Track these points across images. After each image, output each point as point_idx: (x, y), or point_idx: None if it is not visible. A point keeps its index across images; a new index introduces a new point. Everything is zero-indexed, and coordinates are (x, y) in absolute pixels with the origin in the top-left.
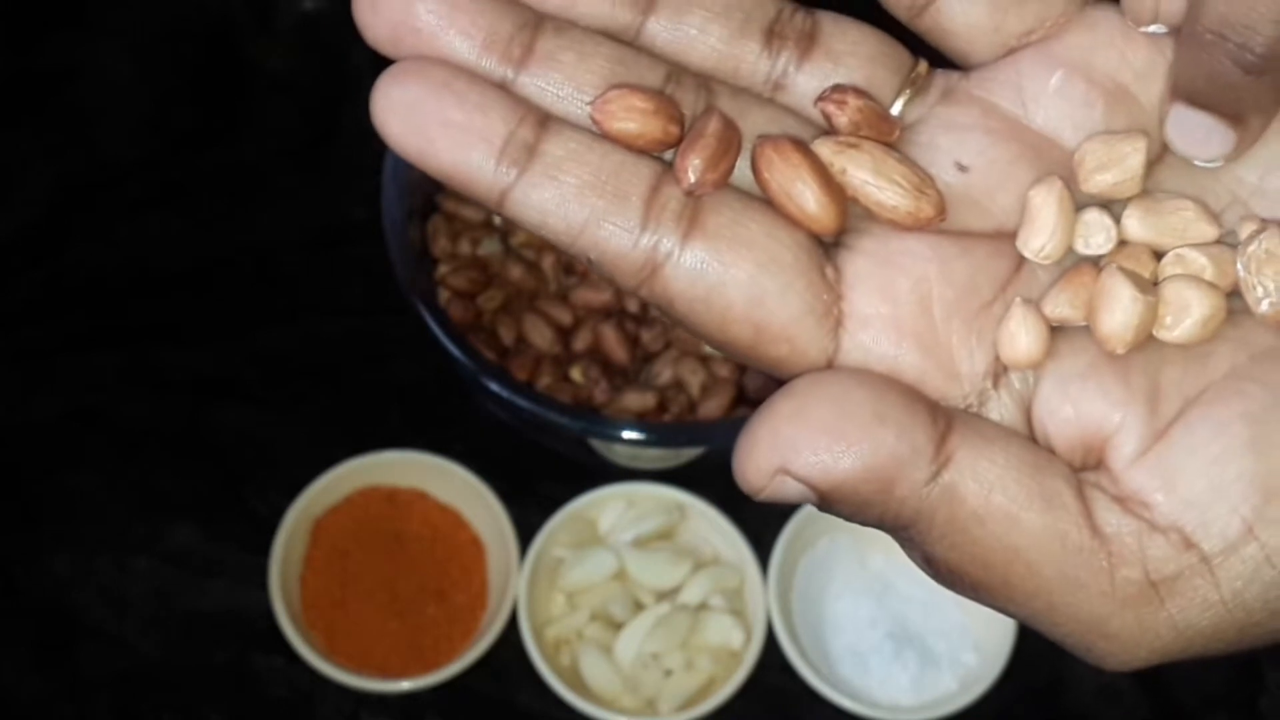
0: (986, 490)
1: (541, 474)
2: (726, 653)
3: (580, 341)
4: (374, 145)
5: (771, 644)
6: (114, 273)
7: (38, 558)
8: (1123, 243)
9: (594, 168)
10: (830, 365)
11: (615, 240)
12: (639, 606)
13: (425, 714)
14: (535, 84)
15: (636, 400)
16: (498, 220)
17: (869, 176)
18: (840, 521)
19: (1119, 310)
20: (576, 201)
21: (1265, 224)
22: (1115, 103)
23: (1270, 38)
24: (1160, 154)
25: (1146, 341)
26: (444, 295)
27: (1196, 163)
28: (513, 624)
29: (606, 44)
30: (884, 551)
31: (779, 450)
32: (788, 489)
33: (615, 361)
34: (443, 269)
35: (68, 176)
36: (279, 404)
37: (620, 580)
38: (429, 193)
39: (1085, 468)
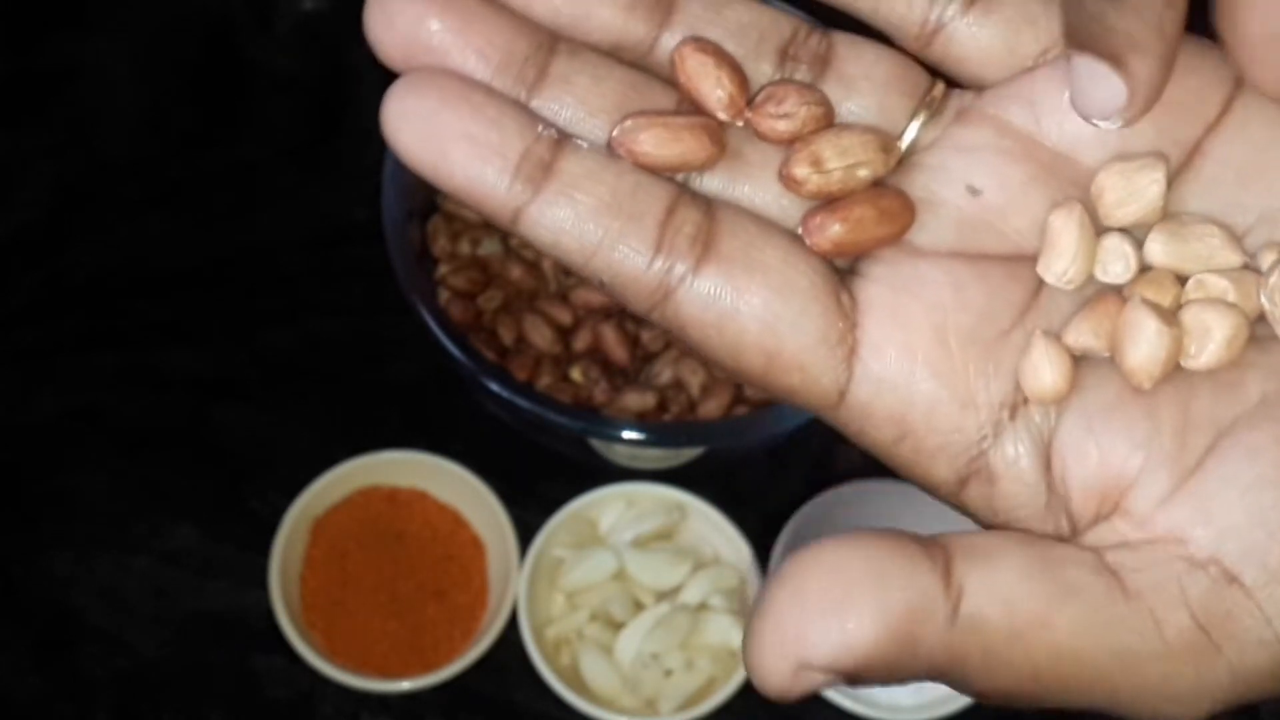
0: (1008, 606)
1: (541, 474)
2: (726, 653)
3: (580, 341)
4: (374, 145)
5: None
6: (114, 273)
7: (38, 558)
8: (1146, 268)
9: (610, 188)
10: (843, 395)
11: (629, 263)
12: (639, 606)
13: (425, 714)
14: (548, 107)
15: (636, 400)
16: None
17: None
18: (840, 522)
19: (1144, 344)
20: (592, 222)
21: None
22: None
23: None
24: (1185, 164)
25: (1174, 373)
26: (444, 295)
27: (1096, 122)
28: (513, 624)
29: (620, 68)
30: None
31: (791, 646)
32: (813, 680)
33: (615, 361)
34: (443, 269)
35: (68, 176)
36: (279, 404)
37: (620, 580)
38: (429, 193)
39: (1100, 516)
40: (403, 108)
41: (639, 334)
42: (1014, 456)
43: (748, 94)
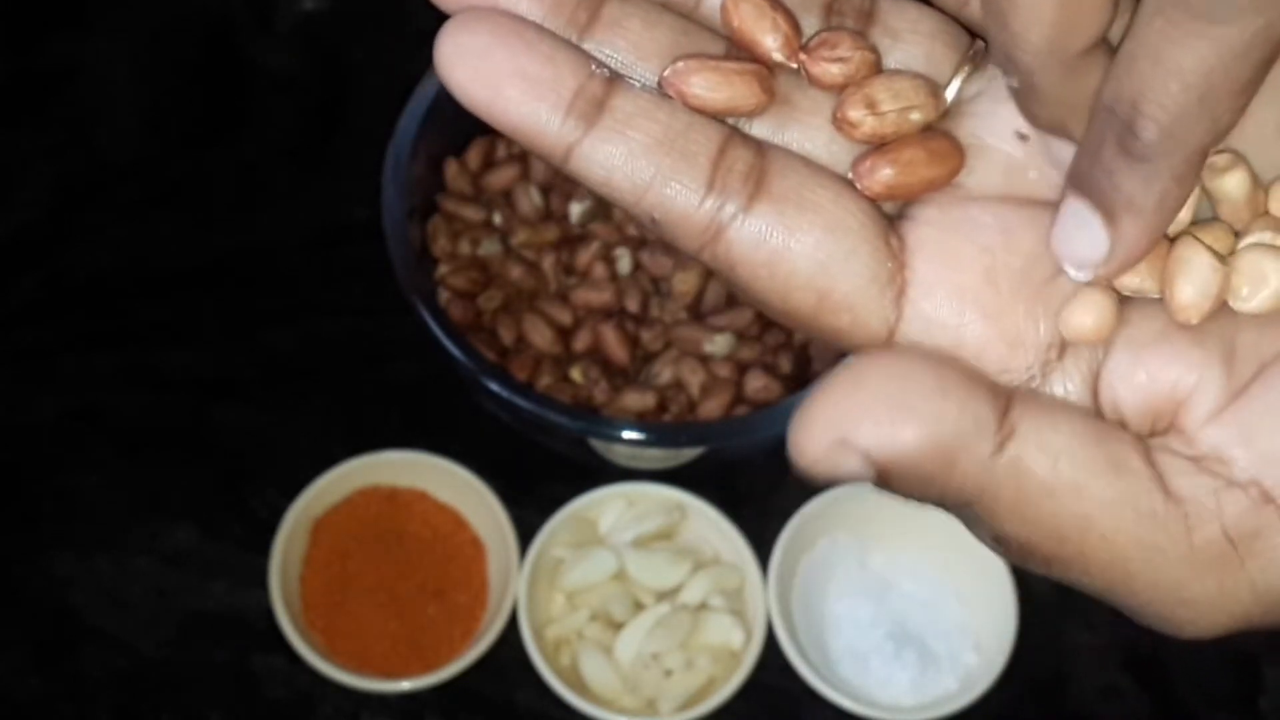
0: (1053, 460)
1: (541, 474)
2: (726, 653)
3: (580, 341)
4: (374, 145)
5: (771, 644)
6: (114, 273)
7: (38, 558)
8: (1195, 221)
9: (663, 125)
10: (892, 335)
11: (680, 200)
12: (639, 606)
13: (425, 714)
14: (600, 50)
15: (636, 400)
16: (498, 220)
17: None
18: (840, 521)
19: (1195, 277)
20: (644, 159)
21: None
22: None
23: (1161, 125)
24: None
25: (1220, 311)
26: (444, 295)
27: (1068, 268)
28: (513, 624)
29: (671, 15)
30: (884, 551)
31: (839, 420)
32: (846, 462)
33: (615, 361)
34: (443, 269)
35: (68, 176)
36: (279, 404)
37: (620, 580)
38: (429, 193)
39: (1155, 433)
40: (456, 45)
41: (639, 334)
42: (1062, 395)
43: (801, 37)
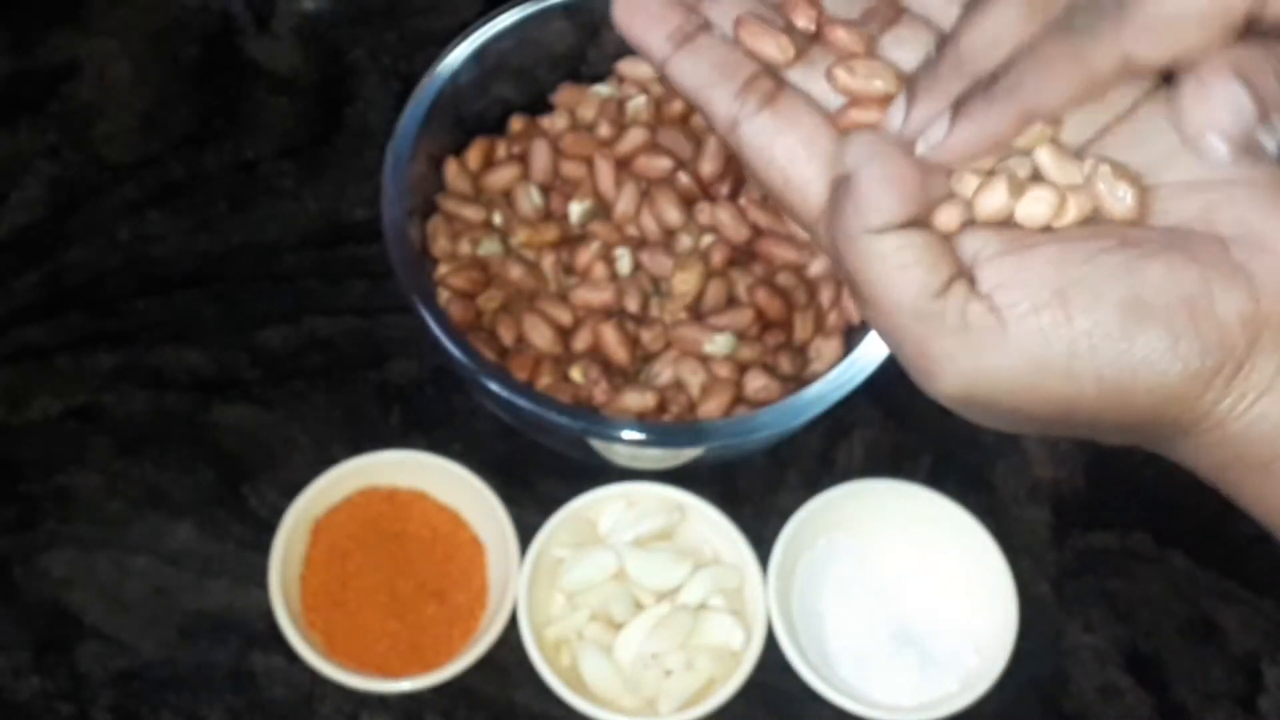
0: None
1: (541, 474)
2: (726, 653)
3: (580, 341)
4: (374, 145)
5: (771, 644)
6: (114, 273)
7: (38, 558)
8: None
9: (722, 55)
10: (818, 223)
11: (716, 104)
12: (639, 606)
13: (425, 714)
14: (711, 10)
15: (636, 400)
16: (498, 220)
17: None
18: (840, 521)
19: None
20: (703, 73)
21: None
22: None
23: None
24: None
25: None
26: (444, 295)
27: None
28: (513, 624)
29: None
30: (884, 551)
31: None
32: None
33: (615, 361)
34: (443, 269)
35: (68, 176)
36: (279, 404)
37: (620, 580)
38: (429, 193)
39: None
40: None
41: (639, 334)
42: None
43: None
